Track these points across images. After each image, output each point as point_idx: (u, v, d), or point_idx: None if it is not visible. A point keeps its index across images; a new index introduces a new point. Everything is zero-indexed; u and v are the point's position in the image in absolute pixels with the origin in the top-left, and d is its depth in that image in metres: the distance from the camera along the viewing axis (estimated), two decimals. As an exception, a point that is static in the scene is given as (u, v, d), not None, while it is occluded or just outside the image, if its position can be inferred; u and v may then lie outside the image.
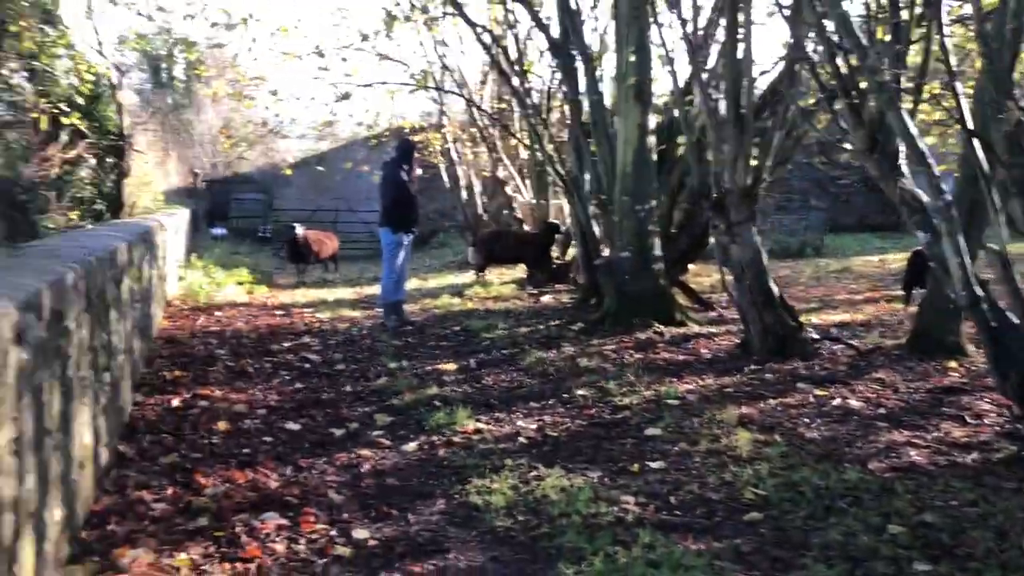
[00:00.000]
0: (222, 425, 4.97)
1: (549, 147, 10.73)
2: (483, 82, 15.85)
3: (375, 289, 10.77)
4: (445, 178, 17.73)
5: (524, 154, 14.88)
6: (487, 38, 11.28)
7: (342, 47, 12.45)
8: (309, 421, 5.17)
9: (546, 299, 10.86)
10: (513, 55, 11.30)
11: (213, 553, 3.20)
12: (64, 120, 8.39)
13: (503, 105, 14.47)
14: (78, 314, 3.38)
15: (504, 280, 13.10)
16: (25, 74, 7.36)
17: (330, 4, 28.19)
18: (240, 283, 13.01)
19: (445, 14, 12.33)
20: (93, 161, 9.93)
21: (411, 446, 4.66)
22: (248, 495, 3.82)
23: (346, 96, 12.54)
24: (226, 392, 5.85)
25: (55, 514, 2.85)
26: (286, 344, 7.85)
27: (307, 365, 6.91)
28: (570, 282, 11.93)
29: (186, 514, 3.57)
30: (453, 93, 14.98)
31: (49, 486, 2.77)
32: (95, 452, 3.73)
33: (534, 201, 14.86)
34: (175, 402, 5.48)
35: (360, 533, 3.40)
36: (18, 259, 3.66)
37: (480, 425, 4.99)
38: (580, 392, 5.75)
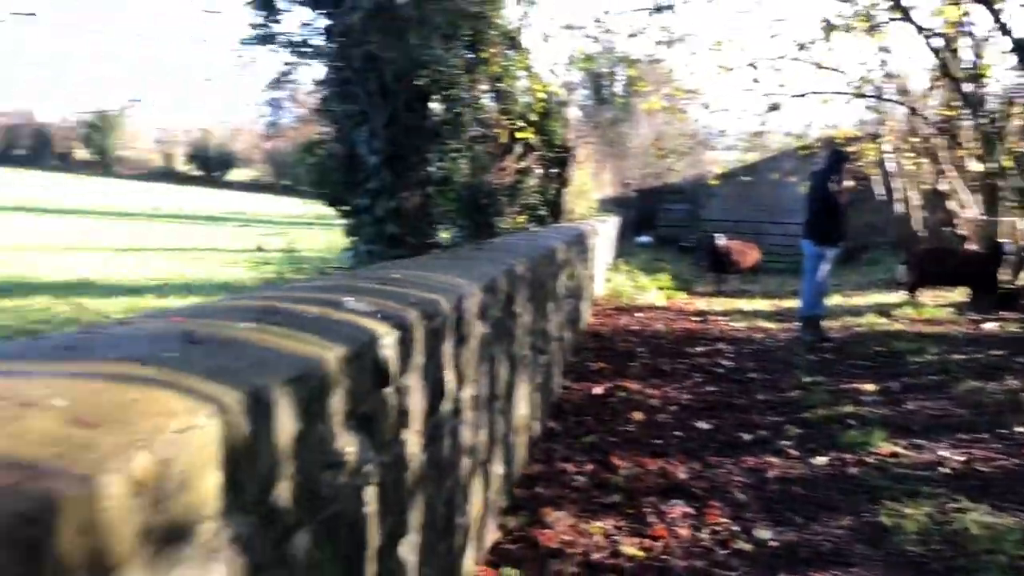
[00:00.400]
0: (637, 416, 5.33)
1: (1005, 158, 9.63)
2: (930, 88, 14.62)
3: (794, 302, 10.54)
4: (878, 191, 16.67)
5: (973, 166, 13.44)
6: (937, 42, 10.45)
7: (776, 58, 12.40)
8: (719, 423, 5.31)
9: (989, 326, 9.73)
10: (967, 59, 10.33)
11: (623, 527, 3.50)
12: (518, 135, 9.45)
13: (951, 113, 13.22)
14: (524, 301, 3.91)
15: (939, 303, 11.97)
16: (492, 94, 8.46)
17: (767, 16, 28.02)
18: (661, 288, 13.60)
19: (891, 19, 11.64)
20: (540, 171, 11.08)
21: (820, 460, 4.57)
22: (657, 481, 4.08)
23: (776, 107, 12.46)
24: (643, 387, 6.22)
25: (498, 468, 3.35)
26: (700, 348, 8.07)
27: (720, 370, 7.06)
28: (1020, 309, 10.54)
29: (602, 489, 3.94)
30: (894, 101, 14.06)
31: (495, 443, 3.27)
32: (529, 423, 4.27)
33: (982, 217, 13.37)
34: (597, 390, 5.98)
35: (762, 533, 3.47)
36: (480, 252, 4.33)
37: (897, 449, 4.72)
38: (1021, 429, 5.14)
